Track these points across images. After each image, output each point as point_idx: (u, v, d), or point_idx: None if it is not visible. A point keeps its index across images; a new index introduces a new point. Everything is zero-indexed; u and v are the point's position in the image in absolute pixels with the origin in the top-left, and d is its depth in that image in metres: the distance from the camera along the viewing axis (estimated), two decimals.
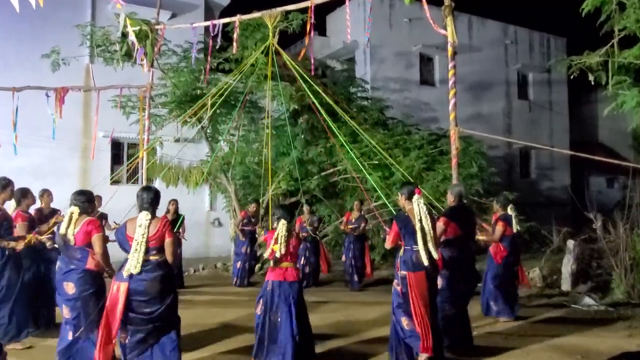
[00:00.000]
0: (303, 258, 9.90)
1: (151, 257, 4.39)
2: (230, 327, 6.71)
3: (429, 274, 4.90)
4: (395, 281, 5.02)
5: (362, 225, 9.90)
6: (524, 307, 7.66)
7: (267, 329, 4.91)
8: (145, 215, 4.39)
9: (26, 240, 5.59)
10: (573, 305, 8.13)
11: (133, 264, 4.30)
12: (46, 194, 6.93)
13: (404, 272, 4.89)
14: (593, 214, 9.71)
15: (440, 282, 5.77)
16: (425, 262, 4.79)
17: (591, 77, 6.94)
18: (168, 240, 4.43)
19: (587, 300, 8.25)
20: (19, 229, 5.78)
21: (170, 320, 4.52)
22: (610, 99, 6.97)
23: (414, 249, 4.86)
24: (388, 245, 5.19)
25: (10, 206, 5.94)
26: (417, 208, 4.90)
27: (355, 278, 9.77)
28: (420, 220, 4.86)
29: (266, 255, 5.05)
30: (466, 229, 5.86)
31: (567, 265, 9.43)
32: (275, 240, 4.94)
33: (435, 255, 4.86)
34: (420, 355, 4.79)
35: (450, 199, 6.03)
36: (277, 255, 4.93)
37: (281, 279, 4.96)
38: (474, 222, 6.20)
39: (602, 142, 24.55)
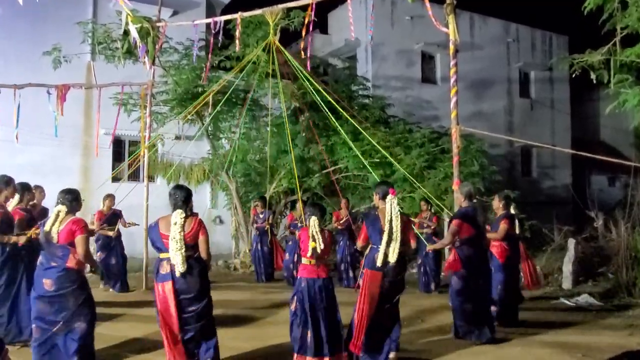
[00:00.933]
0: (296, 255, 9.97)
1: (188, 254, 4.46)
2: (232, 323, 6.70)
3: (387, 274, 4.91)
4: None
5: (350, 223, 9.86)
6: (526, 309, 7.54)
7: (302, 325, 4.92)
8: (179, 214, 4.46)
9: (27, 235, 5.58)
10: (574, 304, 8.13)
11: (179, 262, 4.38)
12: (38, 190, 6.94)
13: (364, 269, 5.02)
14: (594, 213, 9.73)
15: (456, 282, 5.86)
16: (379, 263, 4.83)
17: (593, 76, 6.93)
18: (202, 238, 4.53)
19: (588, 298, 8.25)
20: (16, 225, 5.77)
21: (210, 318, 4.65)
22: (612, 97, 6.96)
23: (377, 249, 4.90)
24: (359, 244, 5.28)
25: (12, 203, 5.93)
26: (389, 208, 4.91)
27: (351, 274, 9.79)
28: (390, 221, 4.87)
29: (308, 255, 5.01)
30: (478, 228, 5.93)
31: (568, 264, 9.43)
32: (313, 238, 4.96)
33: (392, 257, 4.83)
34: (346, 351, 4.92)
35: (460, 199, 6.06)
36: (318, 251, 4.94)
37: (315, 276, 4.97)
38: (483, 221, 6.26)
39: (604, 141, 24.51)
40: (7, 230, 5.59)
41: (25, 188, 6.10)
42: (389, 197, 4.95)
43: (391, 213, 4.88)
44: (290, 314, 5.06)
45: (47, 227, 4.52)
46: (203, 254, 4.56)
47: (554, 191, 21.02)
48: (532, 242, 11.31)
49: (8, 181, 5.78)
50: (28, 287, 5.70)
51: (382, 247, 4.85)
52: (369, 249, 5.07)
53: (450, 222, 6.14)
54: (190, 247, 4.49)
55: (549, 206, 17.32)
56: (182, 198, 4.54)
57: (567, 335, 6.28)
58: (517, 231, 7.46)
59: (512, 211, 7.34)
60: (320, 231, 5.02)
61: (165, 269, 4.48)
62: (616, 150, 22.90)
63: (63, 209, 4.59)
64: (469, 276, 5.82)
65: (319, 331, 4.85)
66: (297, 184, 8.82)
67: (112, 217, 8.57)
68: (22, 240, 5.56)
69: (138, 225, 8.79)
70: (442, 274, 9.32)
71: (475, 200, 6.05)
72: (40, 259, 4.66)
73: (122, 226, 8.78)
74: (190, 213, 4.60)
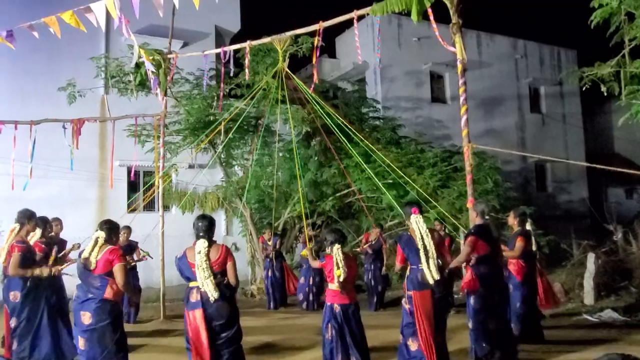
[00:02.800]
0: (311, 279, 9.94)
1: (216, 281, 4.51)
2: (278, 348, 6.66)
3: (435, 292, 4.91)
4: (404, 300, 5.10)
5: (381, 245, 9.85)
6: (549, 328, 7.43)
7: (340, 351, 4.96)
8: (202, 243, 4.55)
9: (50, 269, 5.65)
10: (597, 319, 7.97)
11: (210, 289, 4.43)
12: (56, 222, 7.05)
13: (410, 292, 4.98)
14: (613, 226, 9.60)
15: (474, 301, 5.76)
16: (431, 281, 4.85)
17: (604, 88, 6.90)
18: (230, 264, 4.62)
19: (612, 313, 8.10)
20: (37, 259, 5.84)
21: (240, 343, 4.68)
22: (624, 108, 6.93)
23: (419, 268, 4.92)
24: (397, 267, 5.33)
25: (34, 236, 6.02)
26: (416, 226, 4.97)
27: (374, 299, 9.73)
28: (422, 239, 4.90)
29: (335, 283, 5.08)
30: (493, 245, 5.87)
31: (589, 279, 9.28)
32: (337, 265, 5.03)
33: (435, 274, 4.86)
34: None
35: (473, 217, 6.02)
36: (341, 279, 5.01)
37: (346, 302, 5.05)
38: (497, 238, 6.20)
39: (619, 153, 24.27)
40: (29, 264, 5.66)
41: (45, 222, 6.19)
42: (413, 216, 5.02)
43: (420, 231, 4.94)
44: (327, 342, 5.09)
45: (85, 254, 4.59)
46: (232, 280, 4.61)
47: (570, 206, 20.78)
48: (551, 257, 11.16)
49: (30, 216, 5.92)
50: (49, 321, 5.75)
51: (424, 265, 4.87)
52: (408, 270, 5.07)
53: (465, 239, 6.09)
54: (220, 273, 4.56)
55: (567, 221, 17.09)
56: (205, 227, 4.64)
57: (593, 353, 6.14)
58: (534, 248, 7.37)
59: (528, 227, 7.27)
60: (345, 257, 5.07)
61: (195, 297, 4.51)
62: (632, 162, 22.65)
63: (102, 234, 4.67)
64: (487, 294, 5.72)
65: (349, 357, 4.90)
66: (303, 210, 8.80)
67: (127, 249, 8.60)
68: (45, 272, 5.62)
69: (152, 258, 8.74)
70: (459, 293, 9.20)
71: (488, 218, 6.00)
72: (76, 293, 4.69)
73: (136, 258, 8.73)
74: (213, 241, 4.68)
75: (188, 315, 4.54)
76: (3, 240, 6.19)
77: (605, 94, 6.90)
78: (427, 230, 4.97)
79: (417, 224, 4.97)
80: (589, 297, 9.18)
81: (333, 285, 5.07)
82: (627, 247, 9.88)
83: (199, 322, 4.45)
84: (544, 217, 12.95)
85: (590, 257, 9.46)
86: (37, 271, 5.63)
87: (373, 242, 9.87)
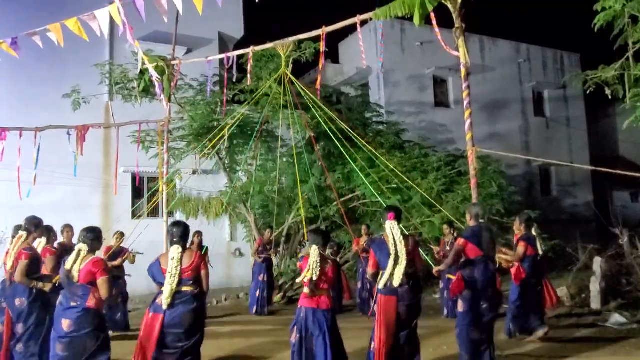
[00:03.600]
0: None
1: (187, 289, 4.53)
2: (252, 357, 6.65)
3: (402, 298, 4.86)
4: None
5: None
6: (554, 328, 7.46)
7: (303, 357, 4.84)
8: (176, 249, 4.57)
9: (54, 281, 5.65)
10: (604, 324, 7.92)
11: (166, 295, 4.45)
12: (67, 229, 7.06)
13: (378, 295, 4.96)
14: (619, 230, 9.53)
15: (461, 305, 5.68)
16: (380, 285, 4.85)
17: (608, 91, 6.89)
18: (204, 272, 4.64)
19: (618, 318, 8.04)
20: (47, 262, 5.87)
21: (197, 355, 4.62)
22: (629, 111, 6.91)
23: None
24: (369, 270, 5.22)
25: (42, 243, 6.04)
26: (390, 232, 4.93)
27: (371, 302, 9.68)
28: (395, 245, 4.86)
29: (299, 280, 5.03)
30: (486, 248, 5.73)
31: (595, 283, 9.22)
32: (309, 266, 4.89)
33: (396, 281, 4.80)
34: None
35: (468, 219, 5.96)
36: (306, 280, 4.87)
37: (314, 306, 4.90)
38: (493, 242, 6.06)
39: (623, 156, 24.19)
40: (35, 271, 5.70)
41: (49, 230, 6.20)
42: (388, 222, 4.98)
43: (394, 237, 4.89)
44: (291, 345, 4.99)
45: (67, 266, 4.57)
46: (204, 287, 4.67)
47: (575, 209, 20.70)
48: (557, 262, 11.11)
49: (38, 224, 5.95)
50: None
51: (387, 270, 4.83)
52: (380, 274, 5.00)
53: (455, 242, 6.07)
54: (192, 280, 4.56)
55: (572, 225, 17.05)
56: (179, 234, 4.67)
57: (598, 357, 6.11)
58: (540, 252, 7.35)
59: (534, 232, 7.26)
60: (323, 260, 4.95)
61: (161, 301, 4.54)
62: (637, 165, 22.58)
63: (84, 247, 4.64)
64: (473, 298, 5.57)
65: None
66: (303, 215, 8.80)
67: (119, 254, 8.56)
68: (47, 287, 5.64)
69: (142, 254, 8.62)
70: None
71: (482, 221, 5.91)
72: (60, 299, 4.70)
73: (129, 261, 8.61)
74: (187, 248, 4.72)
75: (148, 316, 4.57)
76: (6, 246, 6.23)
77: (610, 97, 6.88)
78: (401, 238, 4.90)
79: (391, 230, 4.92)
80: (595, 302, 9.12)
81: (305, 288, 4.96)
82: (633, 251, 9.80)
83: (155, 326, 4.46)
84: (548, 221, 12.88)
85: (597, 261, 9.41)
86: (40, 285, 5.64)
87: (365, 245, 9.89)
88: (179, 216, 14.19)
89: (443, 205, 10.23)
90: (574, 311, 8.98)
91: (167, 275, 4.47)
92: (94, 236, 4.77)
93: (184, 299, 4.51)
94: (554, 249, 10.12)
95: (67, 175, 10.48)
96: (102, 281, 4.53)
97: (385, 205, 11.37)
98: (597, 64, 7.07)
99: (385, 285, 4.88)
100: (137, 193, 14.05)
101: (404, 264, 4.81)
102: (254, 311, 10.12)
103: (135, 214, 12.55)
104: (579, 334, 7.46)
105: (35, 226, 5.90)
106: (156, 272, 4.64)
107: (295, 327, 4.96)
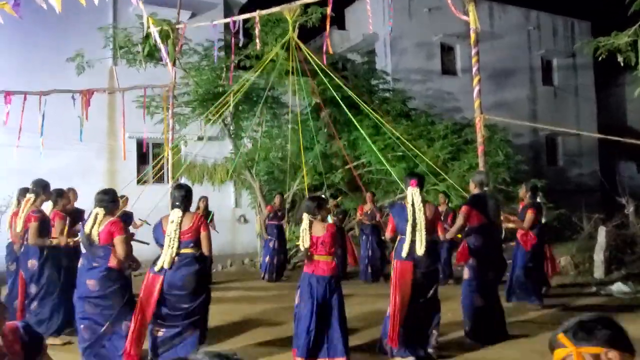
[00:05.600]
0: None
1: (187, 250, 4.54)
2: (258, 321, 6.73)
3: (419, 266, 4.85)
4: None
5: (376, 215, 9.87)
6: (557, 296, 7.53)
7: (303, 320, 4.84)
8: (176, 212, 4.58)
9: (67, 240, 5.73)
10: (607, 293, 7.97)
11: (166, 259, 4.48)
12: (71, 192, 7.06)
13: (394, 260, 4.96)
14: (625, 200, 9.52)
15: (467, 272, 5.71)
16: (403, 254, 4.81)
17: (620, 58, 6.77)
18: (204, 234, 4.62)
19: (621, 287, 8.09)
20: (57, 226, 5.92)
21: (201, 318, 4.65)
22: (639, 81, 6.79)
23: (406, 238, 4.88)
24: (388, 234, 5.25)
25: (46, 207, 6.07)
26: (411, 199, 4.92)
27: (369, 270, 9.76)
28: (414, 212, 4.85)
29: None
30: (490, 216, 5.72)
31: (599, 253, 9.26)
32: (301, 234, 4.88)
33: (421, 247, 4.79)
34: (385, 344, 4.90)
35: (472, 187, 5.94)
36: (302, 248, 4.86)
37: (318, 273, 4.84)
38: (498, 209, 6.03)
39: (632, 127, 23.94)
40: (45, 233, 5.74)
41: (59, 194, 6.21)
42: (410, 189, 4.97)
43: (413, 203, 4.88)
44: (295, 307, 4.96)
45: (87, 229, 4.64)
46: (205, 250, 4.64)
47: (581, 179, 20.63)
48: (562, 231, 11.12)
49: (45, 186, 5.97)
50: (68, 287, 5.81)
51: (407, 237, 4.82)
52: (398, 239, 5.01)
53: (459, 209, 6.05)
54: (192, 242, 4.57)
55: (577, 194, 17.02)
56: (181, 197, 4.66)
57: None
58: (543, 220, 7.38)
59: (539, 200, 7.25)
60: (310, 227, 4.81)
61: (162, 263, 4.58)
62: None
63: (101, 211, 4.70)
64: (479, 267, 5.60)
65: (314, 331, 4.68)
66: (306, 182, 8.77)
67: (123, 218, 8.55)
68: (62, 241, 5.71)
69: (150, 224, 8.66)
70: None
71: (486, 189, 5.89)
72: (81, 261, 4.80)
73: (134, 228, 8.66)
74: (188, 211, 4.71)
75: (148, 276, 4.61)
76: (12, 210, 6.26)
77: (622, 64, 6.76)
78: (421, 205, 4.88)
79: (412, 196, 4.92)
80: (599, 271, 9.17)
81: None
82: (638, 220, 9.81)
83: (155, 286, 4.51)
84: (554, 191, 12.84)
85: (601, 231, 9.42)
86: (55, 241, 5.74)
87: (369, 212, 9.91)
88: (183, 182, 14.20)
89: (449, 174, 10.21)
90: (578, 280, 9.03)
91: (166, 238, 4.51)
92: (110, 198, 4.84)
93: (185, 260, 4.53)
94: (559, 218, 10.12)
95: (72, 141, 10.46)
96: (118, 240, 4.60)
97: (391, 173, 11.46)
98: (608, 32, 6.93)
99: (405, 252, 4.86)
100: (142, 159, 14.05)
101: (423, 230, 4.82)
102: (264, 277, 10.25)
103: (140, 180, 12.56)
104: (582, 302, 7.51)
105: (42, 188, 5.92)
106: (158, 234, 4.68)
107: (298, 291, 4.97)
